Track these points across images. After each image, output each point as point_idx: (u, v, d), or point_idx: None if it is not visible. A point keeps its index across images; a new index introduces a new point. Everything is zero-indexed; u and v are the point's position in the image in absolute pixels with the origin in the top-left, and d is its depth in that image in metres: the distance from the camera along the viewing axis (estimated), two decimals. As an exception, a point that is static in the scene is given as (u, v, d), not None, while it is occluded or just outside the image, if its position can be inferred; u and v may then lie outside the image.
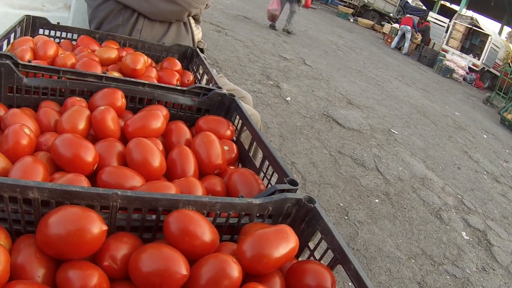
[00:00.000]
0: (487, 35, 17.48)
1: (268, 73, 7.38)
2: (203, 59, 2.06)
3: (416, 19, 19.51)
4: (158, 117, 1.36)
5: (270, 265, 0.89)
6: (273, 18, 11.88)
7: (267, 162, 1.32)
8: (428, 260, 3.79)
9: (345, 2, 26.97)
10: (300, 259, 1.09)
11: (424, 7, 27.71)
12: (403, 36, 18.92)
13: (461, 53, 18.09)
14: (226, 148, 1.43)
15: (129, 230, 0.96)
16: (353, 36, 17.51)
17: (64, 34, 2.06)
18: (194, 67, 2.16)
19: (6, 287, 0.73)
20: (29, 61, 1.45)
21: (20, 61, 1.39)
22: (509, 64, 15.42)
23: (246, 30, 10.36)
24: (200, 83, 1.95)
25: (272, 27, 12.14)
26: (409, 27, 18.47)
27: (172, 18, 2.29)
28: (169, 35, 2.30)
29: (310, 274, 0.93)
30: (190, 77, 2.02)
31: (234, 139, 1.57)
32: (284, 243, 0.91)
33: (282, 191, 1.08)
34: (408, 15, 19.73)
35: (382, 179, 5.00)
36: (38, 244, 0.82)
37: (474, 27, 18.03)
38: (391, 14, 25.94)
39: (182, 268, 0.82)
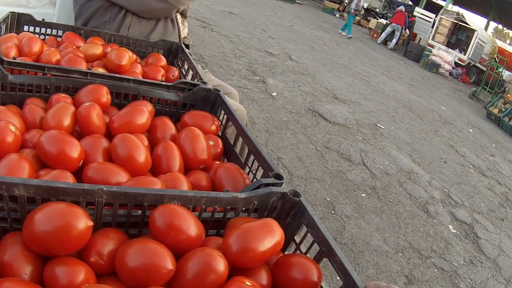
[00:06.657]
0: (473, 30, 17.54)
1: (254, 68, 7.38)
2: (188, 54, 2.06)
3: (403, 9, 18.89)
4: (143, 113, 1.36)
5: (256, 258, 0.90)
6: None
7: (252, 157, 1.33)
8: (416, 254, 3.82)
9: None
10: (286, 252, 1.10)
11: (410, 2, 27.75)
12: (392, 32, 18.87)
13: (447, 48, 18.15)
14: (211, 143, 1.43)
15: (115, 226, 0.96)
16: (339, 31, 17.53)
17: (49, 31, 2.05)
18: (179, 63, 2.16)
19: (-7, 285, 0.73)
20: (14, 58, 1.44)
21: (5, 58, 1.38)
22: (495, 59, 15.52)
23: (231, 26, 10.34)
24: (185, 78, 1.95)
25: None
26: (400, 26, 18.42)
27: (161, 15, 2.30)
28: (156, 32, 2.31)
29: (297, 267, 0.94)
30: (175, 72, 2.02)
31: (219, 134, 1.57)
32: (269, 237, 0.92)
33: (268, 185, 1.09)
34: (399, 10, 19.11)
35: (368, 174, 5.03)
36: (25, 241, 0.82)
37: (460, 22, 18.08)
38: (377, 10, 25.97)
39: (168, 262, 0.82)
